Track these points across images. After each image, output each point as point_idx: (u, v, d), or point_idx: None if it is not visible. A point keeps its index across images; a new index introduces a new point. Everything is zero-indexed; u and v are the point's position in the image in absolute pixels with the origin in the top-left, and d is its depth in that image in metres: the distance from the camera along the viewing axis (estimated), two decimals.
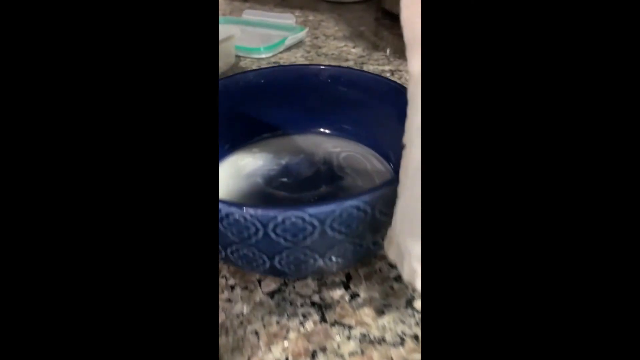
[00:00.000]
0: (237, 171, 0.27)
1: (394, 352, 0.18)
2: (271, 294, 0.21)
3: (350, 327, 0.19)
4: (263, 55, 0.47)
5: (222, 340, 0.19)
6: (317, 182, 0.26)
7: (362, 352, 0.18)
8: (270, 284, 0.21)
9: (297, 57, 0.48)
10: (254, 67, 0.46)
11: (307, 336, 0.19)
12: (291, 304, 0.20)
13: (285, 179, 0.26)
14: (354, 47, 0.50)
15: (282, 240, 0.16)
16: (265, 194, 0.25)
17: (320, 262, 0.18)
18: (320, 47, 0.50)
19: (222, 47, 0.42)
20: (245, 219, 0.16)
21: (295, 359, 0.18)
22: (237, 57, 0.47)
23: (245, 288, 0.21)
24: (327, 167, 0.27)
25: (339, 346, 0.18)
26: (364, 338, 0.19)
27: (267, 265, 0.18)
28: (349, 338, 0.19)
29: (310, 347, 0.18)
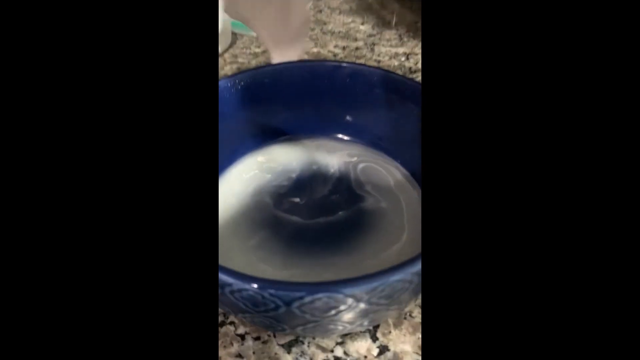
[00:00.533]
0: (242, 187, 0.24)
1: None
2: (288, 347, 0.18)
3: None
4: None
5: None
6: (333, 204, 0.23)
7: None
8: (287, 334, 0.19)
9: None
10: (253, 48, 0.41)
11: None
12: (312, 359, 0.18)
13: (297, 199, 0.23)
14: (362, 24, 0.45)
15: (308, 316, 0.13)
16: (274, 219, 0.22)
17: (350, 327, 0.15)
18: (325, 23, 0.45)
19: (220, 26, 0.37)
20: (263, 296, 0.13)
21: None
22: (234, 34, 0.42)
23: (257, 339, 0.19)
24: (344, 184, 0.24)
25: None
26: None
27: (287, 330, 0.15)
28: None
29: None
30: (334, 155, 0.26)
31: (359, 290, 0.12)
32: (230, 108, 0.23)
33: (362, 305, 0.13)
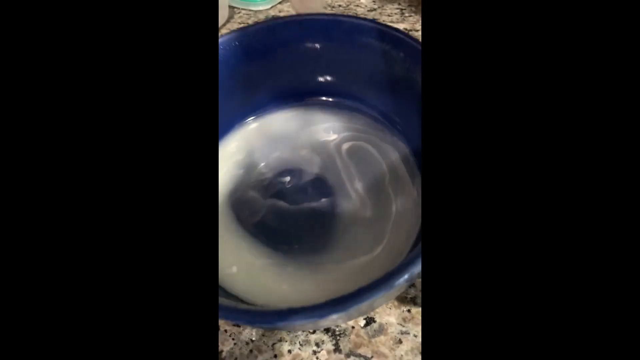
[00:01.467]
0: (233, 170, 0.24)
1: None
2: None
3: (365, 359, 0.18)
4: (260, 7, 0.41)
5: None
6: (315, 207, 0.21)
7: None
8: None
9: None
10: (251, 22, 0.40)
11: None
12: (303, 330, 0.19)
13: (285, 189, 0.22)
14: None
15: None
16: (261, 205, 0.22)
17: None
18: None
19: None
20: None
21: None
22: (231, 8, 0.41)
23: None
24: (328, 182, 0.22)
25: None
26: None
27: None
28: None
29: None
30: (327, 136, 0.24)
31: (354, 305, 0.13)
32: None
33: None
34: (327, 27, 0.23)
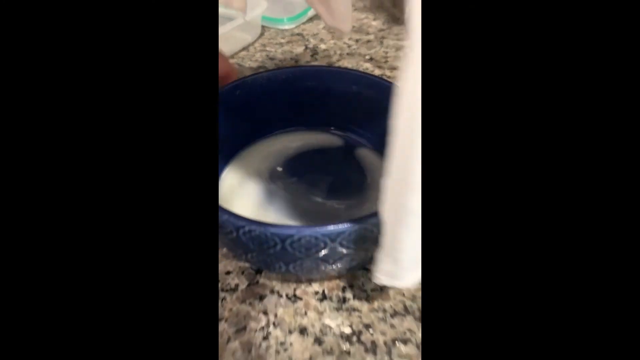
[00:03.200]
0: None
1: (406, 289, 0.23)
2: None
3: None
4: (286, 27, 0.50)
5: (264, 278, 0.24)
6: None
7: (381, 289, 0.23)
8: None
9: (320, 29, 0.50)
10: (279, 39, 0.48)
11: (339, 275, 0.24)
12: None
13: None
14: (374, 20, 0.52)
15: (297, 253, 0.19)
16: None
17: (330, 268, 0.21)
18: None
19: (251, 20, 0.45)
20: (266, 235, 0.18)
21: (330, 292, 0.23)
22: (262, 27, 0.50)
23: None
24: None
25: (363, 284, 0.23)
26: None
27: (283, 269, 0.21)
28: (370, 279, 0.24)
29: (341, 284, 0.23)
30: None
31: (331, 231, 0.17)
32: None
33: (335, 246, 0.18)
34: (316, 76, 0.28)
